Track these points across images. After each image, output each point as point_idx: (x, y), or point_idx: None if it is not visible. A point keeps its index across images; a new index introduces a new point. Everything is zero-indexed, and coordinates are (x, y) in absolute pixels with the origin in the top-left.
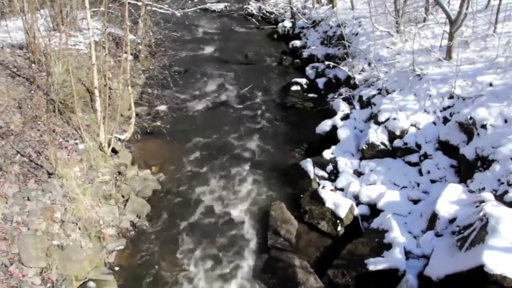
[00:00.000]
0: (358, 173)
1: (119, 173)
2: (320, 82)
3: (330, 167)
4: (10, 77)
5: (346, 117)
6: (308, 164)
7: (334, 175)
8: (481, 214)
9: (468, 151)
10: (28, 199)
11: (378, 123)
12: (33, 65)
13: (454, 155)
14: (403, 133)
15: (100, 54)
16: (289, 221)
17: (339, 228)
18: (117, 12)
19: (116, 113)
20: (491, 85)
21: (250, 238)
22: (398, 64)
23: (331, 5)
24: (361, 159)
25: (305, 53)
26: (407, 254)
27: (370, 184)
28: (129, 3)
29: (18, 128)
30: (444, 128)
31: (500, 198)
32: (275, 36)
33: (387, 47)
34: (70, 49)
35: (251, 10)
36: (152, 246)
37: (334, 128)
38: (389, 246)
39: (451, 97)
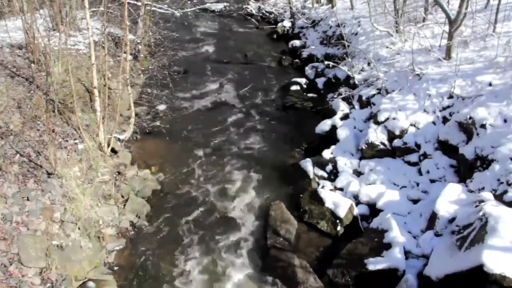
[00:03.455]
0: (358, 173)
1: (119, 173)
2: (320, 82)
3: (329, 167)
4: (10, 77)
5: (345, 117)
6: (307, 164)
7: (333, 175)
8: (481, 213)
9: (467, 151)
10: (28, 199)
11: (377, 123)
12: (32, 65)
13: (453, 155)
14: (403, 132)
15: (100, 54)
16: (288, 221)
17: (338, 227)
18: (117, 12)
19: (115, 113)
20: (490, 84)
21: (250, 237)
22: (397, 64)
23: (330, 5)
24: (360, 158)
25: (305, 53)
26: (407, 253)
27: (369, 184)
28: (128, 3)
29: (18, 128)
30: (443, 128)
31: (499, 197)
32: (275, 36)
33: (387, 47)
34: (69, 49)
35: (251, 10)
36: (151, 246)
37: (334, 127)
38: (388, 246)
39: (450, 96)
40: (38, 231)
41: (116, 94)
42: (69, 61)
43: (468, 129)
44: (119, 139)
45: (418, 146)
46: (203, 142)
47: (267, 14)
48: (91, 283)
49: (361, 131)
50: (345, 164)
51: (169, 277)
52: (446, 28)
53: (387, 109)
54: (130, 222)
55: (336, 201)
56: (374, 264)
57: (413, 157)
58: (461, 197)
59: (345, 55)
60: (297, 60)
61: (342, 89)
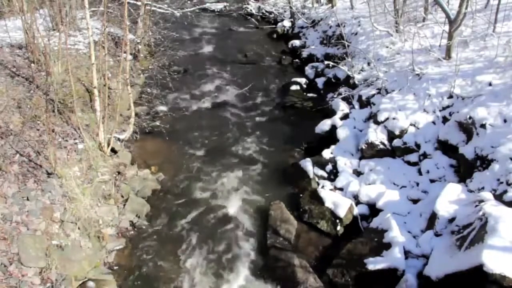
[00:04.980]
0: (358, 173)
1: (119, 172)
2: (320, 81)
3: (329, 167)
4: (10, 77)
5: (345, 117)
6: (307, 164)
7: (333, 175)
8: (481, 213)
9: (467, 151)
10: (28, 199)
11: (377, 123)
12: (32, 64)
13: (453, 155)
14: (403, 132)
15: (100, 54)
16: (288, 221)
17: (338, 227)
18: (117, 11)
19: (115, 112)
20: (490, 84)
21: (250, 237)
22: (397, 64)
23: (330, 5)
24: (360, 158)
25: (305, 53)
26: (407, 253)
27: (369, 184)
28: (128, 2)
29: (18, 128)
30: (443, 128)
31: (499, 197)
32: (275, 35)
33: (387, 47)
34: (69, 49)
35: (251, 10)
36: (151, 246)
37: (334, 127)
38: (388, 246)
39: (450, 96)
40: (38, 231)
41: (116, 94)
42: (69, 61)
43: (468, 129)
44: (119, 139)
45: (418, 146)
46: (203, 142)
47: (267, 14)
48: (91, 283)
49: (361, 131)
50: (345, 164)
51: (169, 276)
52: (446, 28)
53: (387, 109)
54: (130, 222)
55: (336, 201)
56: (374, 264)
57: (413, 157)
58: (461, 197)
59: (345, 55)
60: (297, 60)
61: (342, 89)
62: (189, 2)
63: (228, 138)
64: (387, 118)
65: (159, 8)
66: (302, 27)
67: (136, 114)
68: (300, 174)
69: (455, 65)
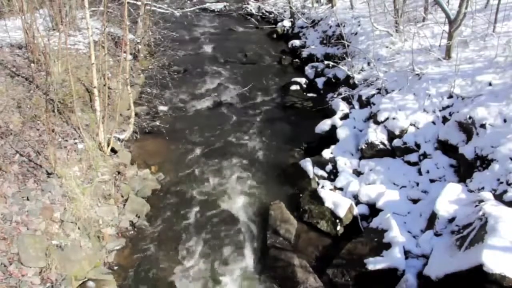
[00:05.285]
0: (358, 173)
1: (119, 172)
2: (320, 81)
3: (329, 167)
4: (9, 77)
5: (345, 117)
6: (307, 164)
7: (333, 175)
8: (481, 213)
9: (467, 151)
10: (27, 199)
11: (377, 123)
12: (32, 64)
13: (453, 155)
14: (403, 132)
15: (99, 54)
16: (288, 221)
17: (338, 227)
18: (116, 11)
19: (115, 112)
20: (490, 84)
21: (250, 237)
22: (397, 64)
23: (330, 5)
24: (360, 158)
25: (305, 53)
26: (407, 253)
27: (369, 184)
28: (128, 2)
29: (17, 127)
30: (443, 128)
31: (499, 197)
32: (275, 35)
33: (387, 47)
34: (69, 49)
35: (250, 10)
36: (151, 246)
37: (334, 127)
38: (388, 246)
39: (450, 96)
40: (38, 231)
41: (116, 93)
42: (68, 60)
43: (468, 128)
44: (119, 139)
45: (418, 146)
46: (203, 142)
47: (267, 13)
48: (90, 283)
49: (361, 131)
50: (345, 164)
51: (169, 276)
52: (446, 28)
53: (387, 109)
54: (130, 222)
55: (336, 201)
56: (374, 264)
57: (413, 157)
58: (461, 197)
59: (345, 55)
60: (297, 59)
61: (342, 89)
62: (189, 2)
63: (228, 138)
64: (387, 118)
65: (159, 8)
66: (302, 27)
67: (136, 114)
68: (300, 174)
69: (455, 65)
